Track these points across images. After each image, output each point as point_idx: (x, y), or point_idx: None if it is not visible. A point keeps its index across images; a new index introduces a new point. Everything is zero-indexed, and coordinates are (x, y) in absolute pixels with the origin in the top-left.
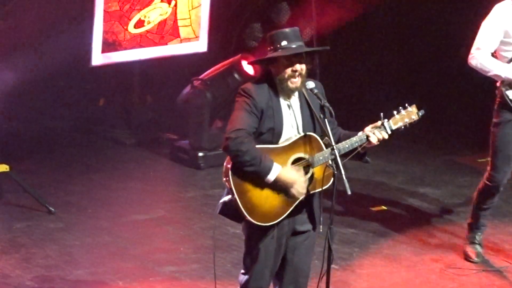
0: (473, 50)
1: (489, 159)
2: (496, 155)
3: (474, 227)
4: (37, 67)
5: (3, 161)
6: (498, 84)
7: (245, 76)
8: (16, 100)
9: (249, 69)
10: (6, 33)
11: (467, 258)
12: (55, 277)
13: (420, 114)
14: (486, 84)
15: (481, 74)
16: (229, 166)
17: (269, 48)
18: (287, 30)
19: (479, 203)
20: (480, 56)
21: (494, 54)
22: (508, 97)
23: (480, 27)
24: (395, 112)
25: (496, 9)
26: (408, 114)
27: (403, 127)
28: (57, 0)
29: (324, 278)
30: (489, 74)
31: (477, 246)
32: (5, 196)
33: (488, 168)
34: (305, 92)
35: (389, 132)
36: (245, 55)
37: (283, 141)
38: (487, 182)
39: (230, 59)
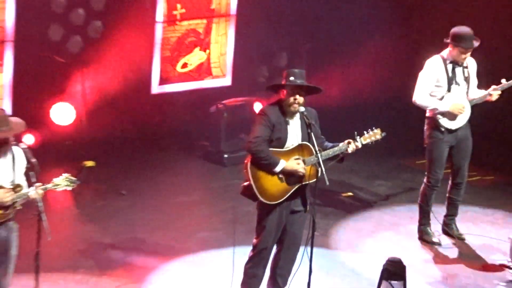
0: (416, 92)
1: (425, 161)
2: (433, 164)
3: (423, 222)
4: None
5: (91, 159)
6: (428, 114)
7: (253, 112)
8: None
9: (257, 108)
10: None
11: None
12: (124, 239)
13: (382, 135)
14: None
15: (421, 108)
16: (248, 161)
17: (283, 81)
18: (296, 70)
19: (423, 202)
20: (421, 97)
21: (430, 94)
22: (440, 122)
23: (418, 77)
24: (365, 132)
25: (429, 63)
26: (374, 134)
27: (370, 143)
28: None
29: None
30: (429, 108)
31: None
32: (91, 183)
33: (427, 174)
34: (304, 114)
35: (360, 146)
36: (258, 99)
37: (286, 147)
38: (428, 184)
39: (247, 98)
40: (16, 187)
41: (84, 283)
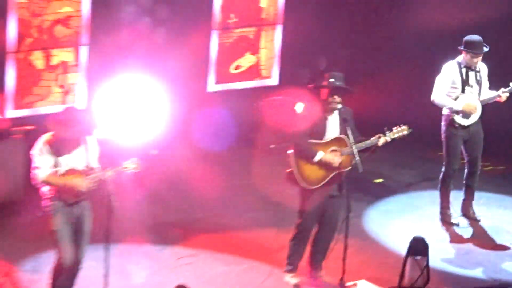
0: (434, 93)
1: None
2: (449, 155)
3: (443, 206)
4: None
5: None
6: (445, 112)
7: (295, 108)
8: None
9: (298, 106)
10: None
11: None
12: (184, 217)
13: (409, 131)
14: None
15: (439, 107)
16: (291, 151)
17: (323, 82)
18: (336, 73)
19: (442, 188)
20: (438, 97)
21: (446, 94)
22: (454, 119)
23: (436, 79)
24: (393, 128)
25: (445, 67)
26: (402, 130)
27: (397, 137)
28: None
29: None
30: (445, 107)
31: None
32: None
33: (444, 164)
34: (341, 110)
35: (389, 140)
36: (299, 98)
37: (326, 139)
38: (445, 173)
39: (290, 96)
40: (89, 170)
41: (149, 255)
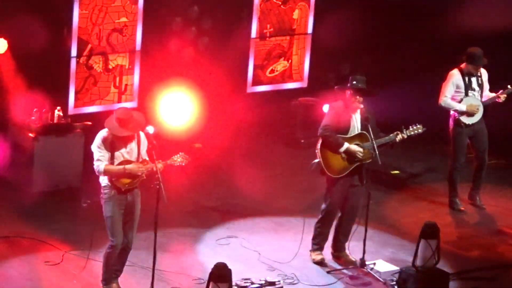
0: (441, 97)
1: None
2: (456, 151)
3: (452, 195)
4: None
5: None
6: (452, 113)
7: (322, 108)
8: None
9: (325, 107)
10: None
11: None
12: (223, 203)
13: (423, 129)
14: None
15: (446, 109)
16: (319, 144)
17: (348, 84)
18: (358, 76)
19: (450, 179)
20: (446, 100)
21: (451, 98)
22: (460, 119)
23: (442, 85)
24: (410, 126)
25: (450, 74)
26: (417, 128)
27: (413, 135)
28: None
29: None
30: (452, 109)
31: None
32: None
33: (452, 158)
34: (363, 109)
35: (406, 136)
36: (326, 100)
37: (349, 134)
38: (452, 166)
39: (318, 98)
40: (143, 162)
41: (191, 237)
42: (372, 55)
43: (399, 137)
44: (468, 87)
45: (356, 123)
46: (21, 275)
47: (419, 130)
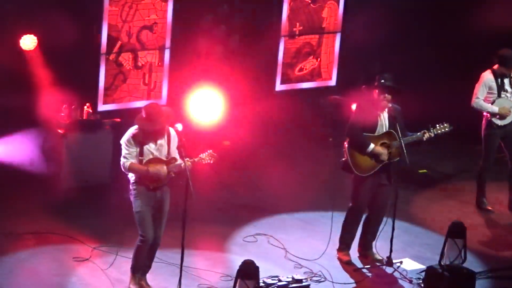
0: (473, 99)
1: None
2: (486, 151)
3: (480, 194)
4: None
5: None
6: (485, 114)
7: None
8: None
9: (354, 106)
10: None
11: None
12: (250, 201)
13: (450, 128)
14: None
15: (478, 111)
16: (347, 143)
17: (376, 83)
18: (386, 74)
19: (479, 179)
20: (478, 102)
21: (484, 100)
22: (493, 121)
23: (475, 86)
24: (436, 125)
25: (483, 76)
26: (444, 127)
27: (440, 133)
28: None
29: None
30: (485, 111)
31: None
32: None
33: (482, 158)
34: (392, 108)
35: (433, 135)
36: (354, 99)
37: (377, 132)
38: (482, 165)
39: (346, 96)
40: (171, 160)
41: (219, 234)
42: (402, 55)
43: (426, 135)
44: (500, 88)
45: (384, 122)
46: (50, 270)
47: (446, 129)
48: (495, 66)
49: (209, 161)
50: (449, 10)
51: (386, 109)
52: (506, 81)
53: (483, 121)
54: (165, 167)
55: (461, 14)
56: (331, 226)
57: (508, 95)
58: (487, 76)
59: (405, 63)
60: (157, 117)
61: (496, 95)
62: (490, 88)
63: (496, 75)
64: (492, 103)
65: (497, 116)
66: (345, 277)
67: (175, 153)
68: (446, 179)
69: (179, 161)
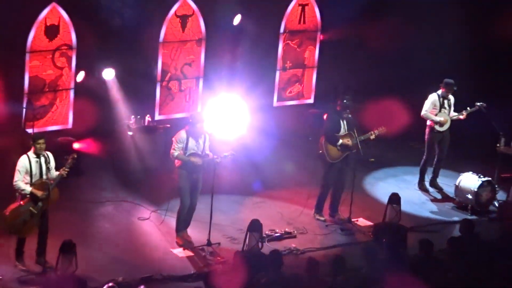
0: (423, 111)
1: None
2: (429, 149)
3: (420, 180)
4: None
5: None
6: (429, 123)
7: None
8: None
9: (326, 116)
10: None
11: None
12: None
13: (385, 130)
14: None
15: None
16: (322, 140)
17: (338, 101)
18: (347, 96)
19: (421, 169)
20: (425, 113)
21: (431, 112)
22: (435, 128)
23: (425, 103)
24: (379, 128)
25: (430, 96)
26: (383, 129)
27: (381, 134)
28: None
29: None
30: (429, 119)
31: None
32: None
33: (425, 154)
34: (349, 117)
35: (376, 135)
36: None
37: (341, 133)
38: (425, 160)
39: (322, 110)
40: (205, 155)
41: (236, 201)
42: (362, 78)
43: (373, 136)
44: (441, 106)
45: (345, 126)
46: (122, 226)
47: (384, 130)
48: (440, 90)
49: (231, 157)
50: None
51: (346, 118)
52: (446, 101)
53: (427, 128)
54: (201, 160)
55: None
56: (308, 196)
57: (446, 111)
58: (434, 97)
59: (360, 87)
60: (199, 122)
61: (438, 110)
62: (434, 105)
63: (439, 96)
64: (436, 115)
65: (438, 125)
66: (320, 230)
67: (207, 150)
68: (388, 165)
69: (211, 156)
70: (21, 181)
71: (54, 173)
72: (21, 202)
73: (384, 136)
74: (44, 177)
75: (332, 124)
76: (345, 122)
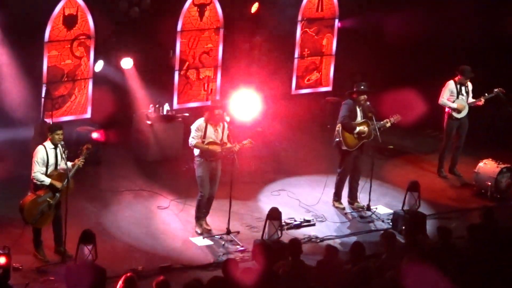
0: (440, 98)
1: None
2: (447, 136)
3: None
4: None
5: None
6: (447, 110)
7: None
8: None
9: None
10: None
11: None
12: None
13: (400, 118)
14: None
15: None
16: (339, 127)
17: (354, 89)
18: (362, 83)
19: (440, 157)
20: (442, 100)
21: (448, 99)
22: (453, 115)
23: (441, 90)
24: (394, 116)
25: (447, 83)
26: (398, 117)
27: (396, 121)
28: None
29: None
30: (447, 106)
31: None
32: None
33: (444, 141)
34: (366, 104)
35: (391, 123)
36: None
37: (357, 121)
38: (444, 145)
39: (340, 98)
40: (223, 144)
41: (255, 190)
42: (378, 69)
43: (388, 123)
44: (458, 93)
45: (360, 113)
46: (142, 215)
47: (399, 118)
48: (456, 77)
49: (249, 146)
50: None
51: (362, 104)
52: (463, 88)
53: (445, 115)
54: (219, 148)
55: None
56: (325, 184)
57: (463, 97)
58: (451, 84)
59: (377, 75)
60: (219, 108)
61: (455, 97)
62: (452, 92)
63: (456, 83)
64: (453, 102)
65: (456, 111)
66: (339, 218)
67: (226, 139)
68: (407, 152)
69: (229, 144)
70: (40, 173)
71: (67, 163)
72: (39, 193)
73: (401, 124)
74: (59, 167)
75: (348, 112)
76: (361, 109)
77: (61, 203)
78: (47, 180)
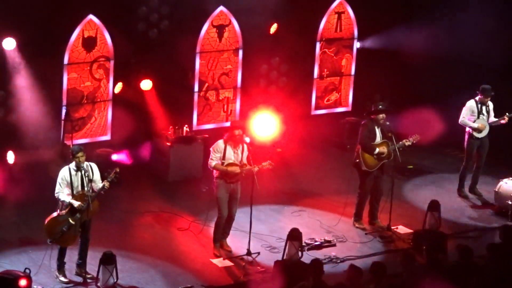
0: (460, 118)
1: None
2: (468, 155)
3: (460, 185)
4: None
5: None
6: (467, 129)
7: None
8: None
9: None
10: None
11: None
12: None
13: (418, 137)
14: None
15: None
16: (358, 149)
17: (373, 108)
18: (381, 102)
19: (461, 174)
20: (463, 120)
21: (468, 119)
22: (474, 134)
23: (462, 110)
24: (413, 136)
25: (468, 103)
26: (416, 137)
27: (415, 141)
28: (297, 94)
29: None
30: (467, 126)
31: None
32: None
33: (465, 160)
34: (386, 124)
35: (411, 142)
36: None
37: (377, 141)
38: (464, 166)
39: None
40: (243, 165)
41: (275, 210)
42: (397, 89)
43: (408, 143)
44: (479, 112)
45: (379, 133)
46: (162, 236)
47: (418, 138)
48: (477, 97)
49: (268, 167)
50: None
51: (381, 124)
52: (484, 107)
53: (466, 135)
54: (238, 169)
55: None
56: (345, 205)
57: (484, 117)
58: (471, 103)
59: (396, 95)
60: (238, 129)
61: (476, 117)
62: (472, 111)
63: (477, 102)
64: (474, 121)
65: (476, 131)
66: (360, 238)
67: (245, 160)
68: (426, 172)
69: (248, 166)
70: (61, 193)
71: (100, 184)
72: (60, 212)
73: (421, 144)
74: (86, 188)
75: (367, 132)
76: (380, 130)
77: (88, 224)
78: (67, 200)
